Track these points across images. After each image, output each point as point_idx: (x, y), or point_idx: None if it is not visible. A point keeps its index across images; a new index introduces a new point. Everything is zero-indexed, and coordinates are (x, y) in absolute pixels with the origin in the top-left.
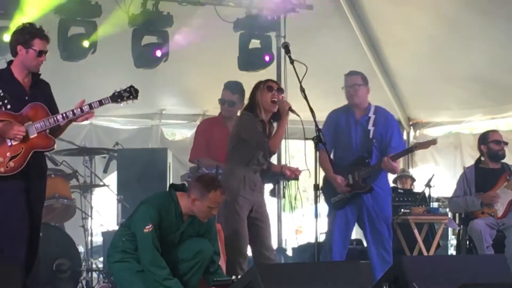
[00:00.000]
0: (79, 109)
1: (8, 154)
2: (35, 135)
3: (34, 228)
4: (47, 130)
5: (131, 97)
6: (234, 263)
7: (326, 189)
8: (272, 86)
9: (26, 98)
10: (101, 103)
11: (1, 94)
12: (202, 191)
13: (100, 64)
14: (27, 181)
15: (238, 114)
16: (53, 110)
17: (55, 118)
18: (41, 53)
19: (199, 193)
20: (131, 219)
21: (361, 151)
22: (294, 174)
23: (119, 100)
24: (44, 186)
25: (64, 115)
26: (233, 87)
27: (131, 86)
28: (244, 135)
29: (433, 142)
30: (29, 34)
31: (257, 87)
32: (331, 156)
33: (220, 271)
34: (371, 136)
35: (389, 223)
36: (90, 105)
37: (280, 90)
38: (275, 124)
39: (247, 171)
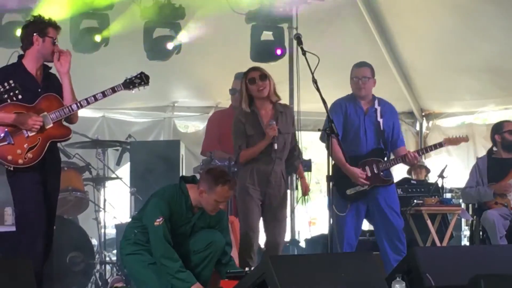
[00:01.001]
0: (92, 97)
1: (25, 145)
2: (51, 125)
3: (49, 220)
4: (63, 120)
5: (142, 83)
6: (242, 251)
7: (340, 180)
8: (253, 77)
9: (39, 90)
10: (114, 90)
11: (12, 85)
12: (210, 184)
13: (112, 56)
14: (43, 174)
15: None
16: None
17: (69, 108)
18: (55, 41)
19: (207, 185)
20: (142, 212)
21: (374, 143)
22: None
23: (131, 86)
24: (58, 178)
25: (78, 104)
26: None
27: (142, 73)
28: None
29: (464, 139)
30: (42, 23)
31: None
32: None
33: (232, 262)
34: (382, 128)
35: (399, 213)
36: (103, 93)
37: (263, 77)
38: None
39: (257, 163)
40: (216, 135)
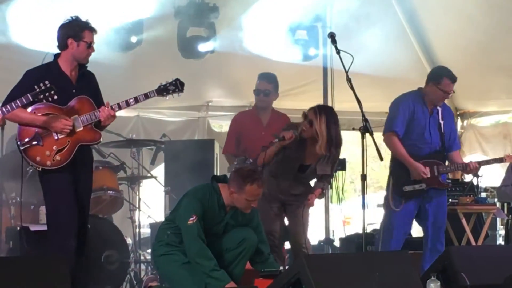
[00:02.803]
0: (124, 102)
1: (54, 147)
2: (81, 128)
3: (82, 220)
4: (93, 124)
5: (176, 90)
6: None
7: (399, 175)
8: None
9: (74, 91)
10: (146, 96)
11: (48, 85)
12: (239, 184)
13: (147, 55)
14: (74, 174)
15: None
16: (100, 101)
17: None
18: (90, 44)
19: (237, 185)
20: (175, 212)
21: (436, 144)
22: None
23: (164, 93)
24: (90, 178)
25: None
26: (269, 77)
27: (177, 79)
28: None
29: None
30: (78, 26)
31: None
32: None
33: (271, 260)
34: (443, 130)
35: (446, 216)
36: (135, 98)
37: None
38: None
39: (279, 180)
40: (235, 136)
